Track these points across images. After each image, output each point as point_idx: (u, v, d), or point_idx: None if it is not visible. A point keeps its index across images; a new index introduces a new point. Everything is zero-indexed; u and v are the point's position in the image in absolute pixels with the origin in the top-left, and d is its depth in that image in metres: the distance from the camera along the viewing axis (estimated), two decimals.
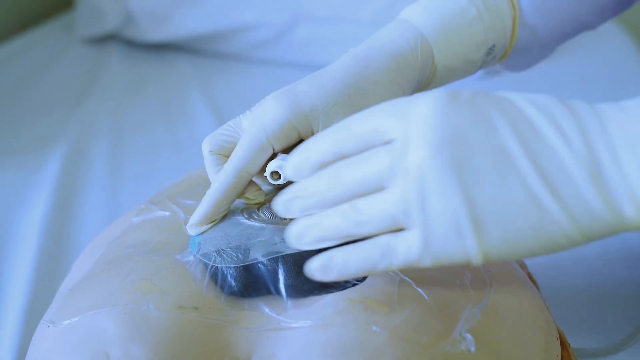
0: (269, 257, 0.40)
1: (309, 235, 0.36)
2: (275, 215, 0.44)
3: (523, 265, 0.50)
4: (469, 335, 0.36)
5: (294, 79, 0.48)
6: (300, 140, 0.45)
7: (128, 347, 0.35)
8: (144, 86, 1.10)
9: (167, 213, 0.48)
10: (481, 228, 0.32)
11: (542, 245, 0.32)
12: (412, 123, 0.33)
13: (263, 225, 0.43)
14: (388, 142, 0.34)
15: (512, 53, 0.54)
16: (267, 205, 0.45)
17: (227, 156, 0.45)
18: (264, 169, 0.45)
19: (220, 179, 0.44)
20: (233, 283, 0.40)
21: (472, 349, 0.36)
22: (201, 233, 0.44)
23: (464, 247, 0.32)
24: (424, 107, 0.34)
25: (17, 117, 1.00)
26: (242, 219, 0.44)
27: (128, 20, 1.19)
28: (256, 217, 0.44)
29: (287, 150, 0.45)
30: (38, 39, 1.23)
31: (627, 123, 0.31)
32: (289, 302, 0.39)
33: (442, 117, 0.33)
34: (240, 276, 0.40)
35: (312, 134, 0.44)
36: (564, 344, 0.44)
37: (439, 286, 0.39)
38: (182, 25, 1.16)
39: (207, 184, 0.53)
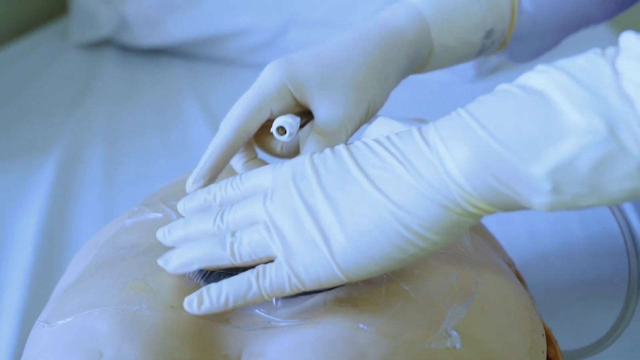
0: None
1: (178, 257, 0.40)
2: None
3: (510, 264, 0.51)
4: (454, 332, 0.37)
5: None
6: (298, 106, 0.47)
7: (121, 346, 0.36)
8: (138, 91, 1.11)
9: (160, 215, 0.49)
10: (329, 236, 0.35)
11: (392, 241, 0.34)
12: (279, 175, 0.39)
13: None
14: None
15: (513, 40, 0.55)
16: None
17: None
18: (261, 134, 0.49)
19: (218, 138, 0.45)
20: None
21: (458, 345, 0.36)
22: None
23: (323, 259, 0.35)
24: (288, 163, 0.39)
25: (12, 121, 1.01)
26: None
27: (122, 26, 1.20)
28: None
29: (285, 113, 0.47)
30: (33, 44, 1.24)
31: (450, 124, 0.34)
32: (279, 302, 0.39)
33: (297, 161, 0.38)
34: (231, 276, 0.40)
35: (307, 102, 0.47)
36: (550, 341, 0.45)
37: (425, 284, 0.40)
38: (176, 30, 1.17)
39: None
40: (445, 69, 1.16)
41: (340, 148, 0.38)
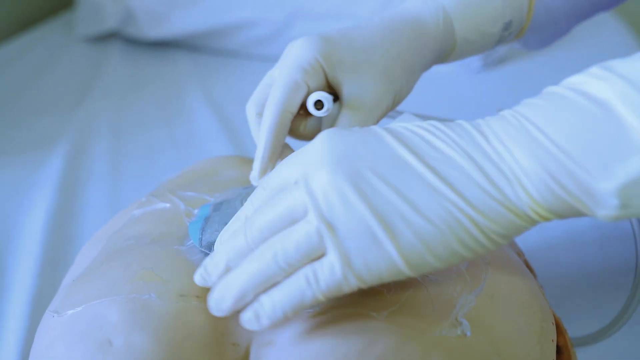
0: None
1: (229, 294, 0.35)
2: None
3: (520, 253, 0.51)
4: (464, 320, 0.37)
5: None
6: (328, 86, 0.46)
7: (130, 335, 0.36)
8: (144, 84, 1.11)
9: (168, 205, 0.49)
10: (393, 230, 0.32)
11: (461, 239, 0.33)
12: (308, 159, 0.35)
13: None
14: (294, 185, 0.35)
15: (528, 30, 0.55)
16: None
17: None
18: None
19: (266, 122, 0.44)
20: None
21: (468, 333, 0.36)
22: (201, 224, 0.45)
23: (385, 254, 0.33)
24: (316, 143, 0.35)
25: (19, 116, 1.01)
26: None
27: (128, 19, 1.20)
28: None
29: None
30: (39, 38, 1.24)
31: (508, 129, 0.33)
32: None
33: (331, 143, 0.35)
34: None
35: (337, 83, 0.46)
36: (560, 330, 0.45)
37: (435, 273, 0.40)
38: (182, 23, 1.17)
39: (206, 177, 0.54)
40: None
41: (382, 132, 0.35)
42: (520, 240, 0.56)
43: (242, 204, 0.45)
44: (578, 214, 0.33)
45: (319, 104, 0.44)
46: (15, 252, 0.71)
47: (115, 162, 0.89)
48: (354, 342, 0.35)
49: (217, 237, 0.42)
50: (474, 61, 1.10)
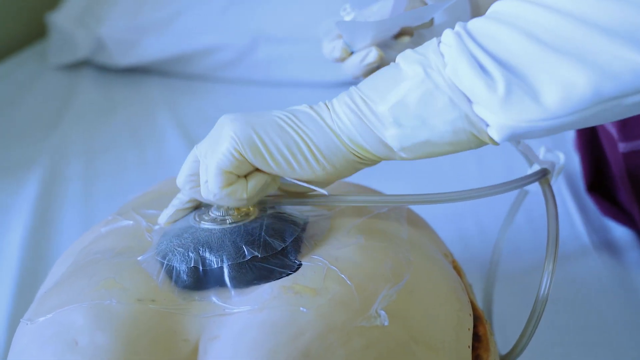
0: (215, 254, 0.46)
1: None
2: (224, 212, 0.50)
3: (447, 254, 0.57)
4: (383, 312, 0.43)
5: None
6: None
7: (93, 335, 0.41)
8: (115, 109, 1.16)
9: (131, 222, 0.54)
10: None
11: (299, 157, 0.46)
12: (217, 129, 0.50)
13: (209, 226, 0.49)
14: None
15: None
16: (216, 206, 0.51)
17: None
18: None
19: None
20: (185, 278, 0.46)
21: (386, 323, 0.42)
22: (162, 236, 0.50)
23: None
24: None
25: None
26: (194, 223, 0.50)
27: (99, 47, 1.25)
28: (206, 218, 0.50)
29: None
30: (13, 67, 1.29)
31: (343, 96, 0.47)
32: (233, 292, 0.45)
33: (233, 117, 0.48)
34: (191, 272, 0.46)
35: None
36: (481, 320, 0.51)
37: (361, 272, 0.45)
38: (150, 50, 1.23)
39: (166, 196, 0.59)
40: None
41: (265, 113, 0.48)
42: (461, 244, 0.61)
43: (195, 218, 0.51)
44: (382, 144, 0.45)
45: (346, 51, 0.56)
46: None
47: (88, 184, 0.94)
48: (285, 333, 0.40)
49: (170, 247, 0.48)
50: None
